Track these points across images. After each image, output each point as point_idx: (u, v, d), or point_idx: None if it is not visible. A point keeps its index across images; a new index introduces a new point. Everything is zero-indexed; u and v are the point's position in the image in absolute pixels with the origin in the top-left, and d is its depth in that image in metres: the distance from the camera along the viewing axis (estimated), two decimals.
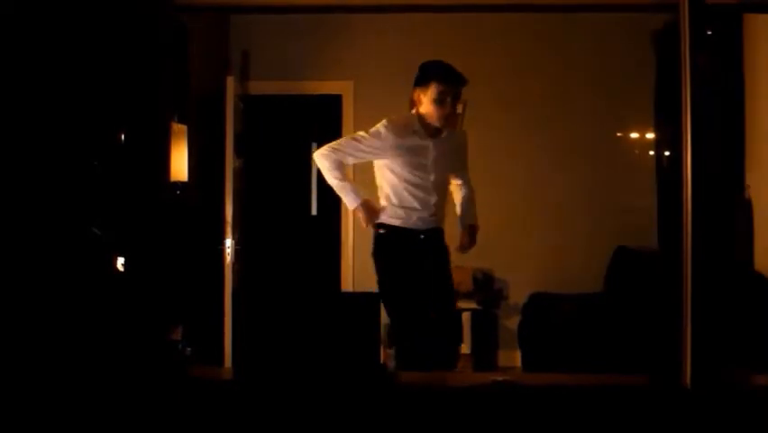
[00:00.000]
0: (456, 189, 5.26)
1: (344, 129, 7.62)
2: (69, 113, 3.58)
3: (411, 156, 4.87)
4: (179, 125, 5.10)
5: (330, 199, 8.27)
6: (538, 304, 6.94)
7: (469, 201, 5.33)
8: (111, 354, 3.47)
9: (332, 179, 4.92)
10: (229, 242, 6.58)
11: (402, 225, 4.92)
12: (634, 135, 7.17)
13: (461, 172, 5.23)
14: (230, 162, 6.68)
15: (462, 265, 7.31)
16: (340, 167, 4.90)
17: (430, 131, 4.92)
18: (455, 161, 5.13)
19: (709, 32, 4.14)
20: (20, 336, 3.45)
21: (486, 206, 7.48)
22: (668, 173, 5.86)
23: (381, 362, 4.55)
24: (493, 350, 7.42)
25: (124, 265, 3.60)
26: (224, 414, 3.33)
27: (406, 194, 4.90)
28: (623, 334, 5.82)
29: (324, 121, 8.06)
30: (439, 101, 4.85)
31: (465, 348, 7.06)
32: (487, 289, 7.36)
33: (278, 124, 8.59)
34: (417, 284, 4.78)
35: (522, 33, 7.28)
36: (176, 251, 3.93)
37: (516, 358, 7.09)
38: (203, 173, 6.40)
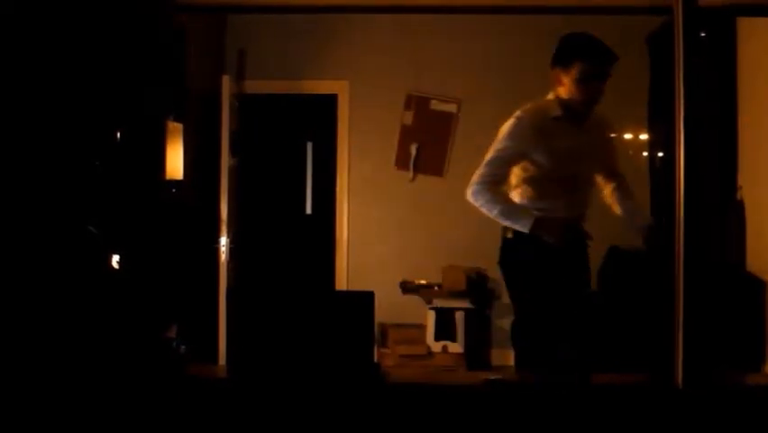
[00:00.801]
0: (610, 187, 4.41)
1: (339, 128, 7.64)
2: (66, 111, 3.59)
3: (551, 146, 4.11)
4: (175, 124, 5.10)
5: (324, 198, 8.33)
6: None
7: (632, 198, 4.39)
8: (106, 351, 3.48)
9: (494, 212, 4.18)
10: (224, 240, 6.60)
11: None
12: (627, 136, 7.20)
13: (613, 166, 4.43)
14: (225, 161, 6.70)
15: (456, 265, 7.36)
16: (496, 194, 4.19)
17: (573, 117, 4.17)
18: (605, 152, 4.37)
19: (703, 34, 4.17)
20: (16, 333, 3.46)
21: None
22: (661, 174, 5.88)
23: (375, 360, 4.56)
24: (486, 349, 7.44)
25: (119, 263, 3.61)
26: (218, 411, 3.34)
27: (545, 191, 4.19)
28: (616, 333, 5.84)
29: (320, 120, 8.07)
30: (584, 82, 4.08)
31: (458, 347, 7.09)
32: (480, 288, 7.38)
33: (273, 123, 8.60)
34: (555, 293, 4.12)
35: (517, 34, 7.28)
36: (171, 249, 3.95)
37: (509, 357, 7.11)
38: (199, 172, 6.42)
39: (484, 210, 4.16)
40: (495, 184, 4.17)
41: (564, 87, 4.11)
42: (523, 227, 4.06)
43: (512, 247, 4.21)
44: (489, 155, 4.18)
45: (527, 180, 4.19)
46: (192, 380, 3.61)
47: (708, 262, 3.72)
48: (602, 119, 4.29)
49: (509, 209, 4.16)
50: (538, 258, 4.08)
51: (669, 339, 3.66)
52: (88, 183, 3.59)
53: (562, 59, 4.12)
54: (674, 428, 3.53)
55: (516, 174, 4.22)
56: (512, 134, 4.13)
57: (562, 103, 4.13)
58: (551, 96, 4.19)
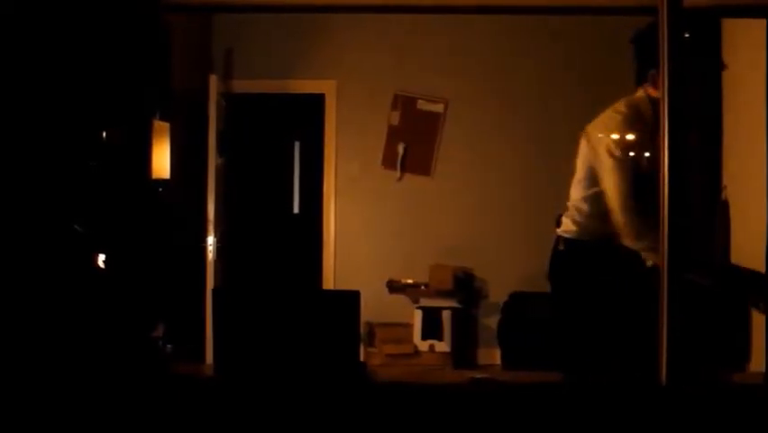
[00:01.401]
0: None
1: (327, 128, 7.66)
2: (50, 110, 3.58)
3: (642, 153, 3.85)
4: (162, 123, 5.10)
5: (312, 198, 8.34)
6: (518, 303, 6.99)
7: None
8: (91, 351, 3.48)
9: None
10: (211, 239, 6.60)
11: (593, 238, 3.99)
12: (614, 136, 7.22)
13: None
14: (212, 160, 6.70)
15: (443, 264, 7.38)
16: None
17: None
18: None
19: (687, 35, 4.19)
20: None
21: (466, 206, 7.57)
22: (646, 174, 5.90)
23: (361, 359, 4.57)
24: (473, 348, 7.48)
25: (105, 262, 3.61)
26: (204, 410, 3.35)
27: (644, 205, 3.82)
28: (601, 332, 5.86)
29: (307, 120, 8.09)
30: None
31: (445, 346, 7.11)
32: (467, 288, 7.42)
33: (261, 123, 8.62)
34: (608, 309, 3.91)
35: (503, 34, 7.34)
36: (158, 248, 3.95)
37: (496, 356, 7.15)
38: (186, 171, 6.41)
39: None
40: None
41: (658, 87, 3.67)
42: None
43: (565, 260, 4.02)
44: (613, 177, 3.86)
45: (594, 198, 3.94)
46: (178, 379, 3.61)
47: (693, 259, 3.72)
48: None
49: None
50: (593, 272, 3.91)
51: (653, 336, 3.67)
52: (73, 182, 3.58)
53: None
54: (658, 427, 3.54)
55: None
56: (622, 136, 3.89)
57: (653, 103, 3.84)
58: (640, 92, 3.95)
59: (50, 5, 3.57)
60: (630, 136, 3.88)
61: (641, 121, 3.87)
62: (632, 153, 3.86)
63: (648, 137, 3.80)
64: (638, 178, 3.85)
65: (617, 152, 3.90)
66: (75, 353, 3.44)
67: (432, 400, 3.52)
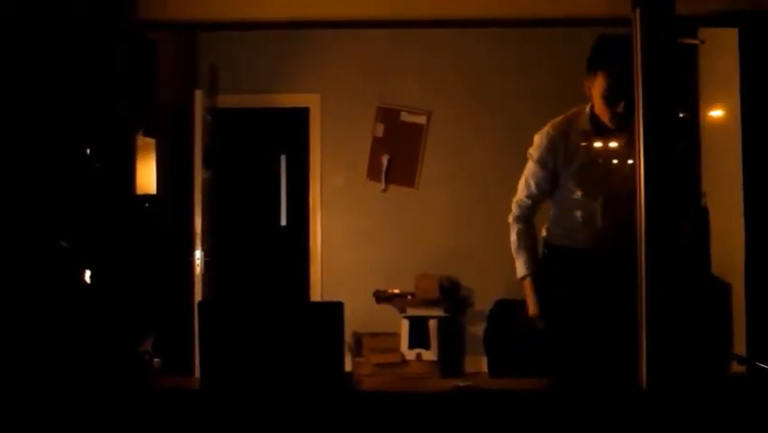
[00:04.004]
0: None
1: (312, 141, 7.70)
2: (35, 128, 3.62)
3: (577, 163, 3.73)
4: (147, 139, 5.15)
5: (299, 210, 8.37)
6: (503, 311, 7.02)
7: None
8: (77, 366, 3.50)
9: (512, 241, 3.95)
10: (198, 253, 6.63)
11: (561, 243, 3.92)
12: (594, 153, 7.27)
13: None
14: (199, 175, 6.74)
15: (429, 274, 7.42)
16: (521, 227, 3.92)
17: (603, 130, 3.71)
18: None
19: (661, 45, 4.24)
20: None
21: (450, 216, 7.62)
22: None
23: (347, 369, 4.59)
24: (460, 356, 7.50)
25: (92, 278, 3.64)
26: (191, 423, 3.37)
27: (570, 219, 3.84)
28: (586, 339, 5.90)
29: (293, 133, 8.12)
30: (608, 98, 3.59)
31: (432, 355, 7.14)
32: (453, 296, 7.45)
33: (247, 137, 8.64)
34: (580, 315, 3.80)
35: (484, 46, 7.40)
36: (145, 263, 3.98)
37: (483, 364, 7.18)
38: (173, 186, 6.45)
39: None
40: (528, 210, 3.91)
41: (594, 102, 3.68)
42: (518, 272, 3.89)
43: (543, 264, 3.94)
44: (524, 177, 3.90)
45: (555, 207, 3.91)
46: (163, 392, 3.64)
47: (672, 265, 3.76)
48: None
49: (518, 246, 3.91)
50: (567, 278, 3.84)
51: (634, 341, 3.70)
52: (59, 198, 3.62)
53: (589, 65, 3.68)
54: (639, 431, 3.58)
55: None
56: (537, 148, 3.82)
57: (592, 116, 3.71)
58: (585, 107, 3.76)
59: (31, 24, 3.61)
60: (537, 155, 3.83)
61: (561, 139, 3.75)
62: (536, 169, 3.84)
63: (577, 156, 3.73)
64: (566, 201, 3.84)
65: (530, 158, 3.89)
66: (61, 367, 3.46)
67: (415, 408, 3.55)
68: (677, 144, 3.78)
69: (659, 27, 3.68)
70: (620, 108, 3.58)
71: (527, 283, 3.88)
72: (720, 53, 5.13)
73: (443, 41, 7.37)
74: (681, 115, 5.10)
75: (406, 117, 7.61)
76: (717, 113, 5.51)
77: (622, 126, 3.64)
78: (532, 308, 3.89)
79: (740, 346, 4.51)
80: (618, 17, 3.74)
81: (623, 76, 3.52)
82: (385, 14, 4.17)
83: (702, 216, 5.51)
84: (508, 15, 4.01)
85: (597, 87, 3.61)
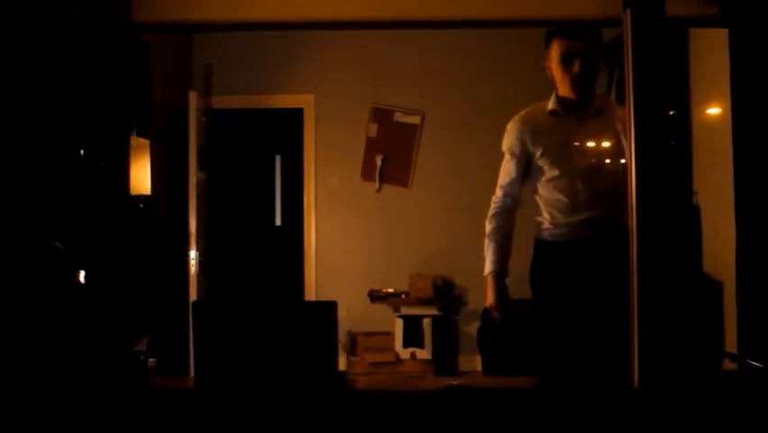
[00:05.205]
0: None
1: (306, 141, 7.73)
2: (28, 128, 3.63)
3: (548, 143, 3.84)
4: (142, 140, 5.15)
5: (293, 210, 8.39)
6: None
7: None
8: (72, 367, 3.51)
9: (487, 232, 4.08)
10: (193, 253, 6.65)
11: (551, 239, 3.92)
12: (591, 144, 7.30)
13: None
14: (193, 175, 6.75)
15: (423, 273, 7.45)
16: (497, 215, 4.05)
17: (572, 109, 3.84)
18: (615, 146, 3.84)
19: (652, 45, 4.26)
20: None
21: (444, 216, 7.64)
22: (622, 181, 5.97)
23: (341, 369, 4.61)
24: (454, 355, 7.53)
25: (86, 278, 3.65)
26: (186, 423, 3.39)
27: (550, 199, 3.89)
28: (580, 337, 5.92)
29: (287, 133, 8.16)
30: (565, 61, 3.77)
31: (426, 354, 7.16)
32: (447, 296, 7.48)
33: (242, 137, 8.68)
34: (570, 310, 3.82)
35: (477, 47, 7.42)
36: (139, 263, 3.99)
37: (477, 362, 7.21)
38: (167, 186, 6.47)
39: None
40: (507, 201, 4.01)
41: (556, 79, 3.85)
42: (486, 269, 4.00)
43: (534, 258, 4.03)
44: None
45: (540, 201, 3.93)
46: (159, 392, 3.65)
47: (664, 264, 3.78)
48: (609, 106, 3.93)
49: (488, 243, 4.05)
50: (558, 276, 3.88)
51: (625, 340, 3.72)
52: (53, 200, 3.63)
53: (545, 45, 3.89)
54: (632, 430, 3.59)
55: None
56: (508, 135, 3.98)
57: (558, 97, 3.87)
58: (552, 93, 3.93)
59: (25, 26, 3.62)
60: (509, 142, 3.98)
61: (531, 122, 3.91)
62: (511, 156, 3.97)
63: (548, 135, 3.85)
64: (545, 181, 3.89)
65: (504, 154, 4.02)
66: (57, 368, 3.47)
67: (409, 407, 3.57)
68: (668, 143, 3.81)
69: (649, 28, 3.71)
70: (576, 68, 3.75)
71: (490, 279, 4.00)
72: (711, 52, 5.15)
73: (437, 41, 7.40)
74: (671, 114, 5.13)
75: (399, 118, 7.64)
76: (708, 111, 5.53)
77: (588, 96, 3.79)
78: (489, 299, 3.99)
79: (731, 344, 4.53)
80: (609, 18, 3.77)
81: (574, 37, 3.76)
82: (378, 15, 4.18)
83: (693, 213, 5.53)
84: (499, 16, 4.03)
85: (553, 59, 3.81)
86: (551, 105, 3.87)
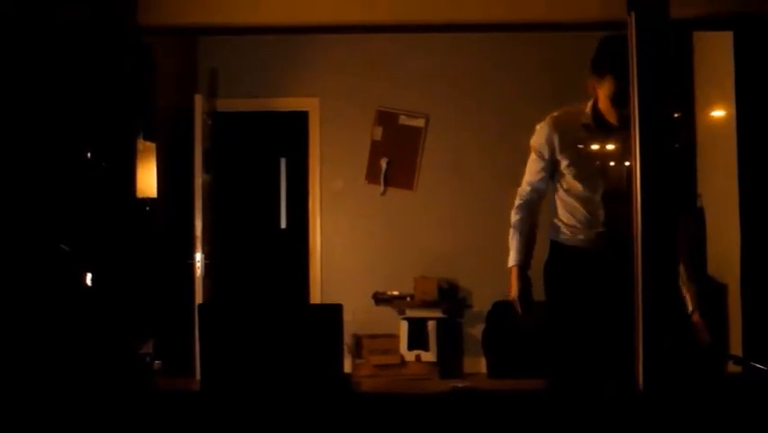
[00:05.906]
0: None
1: (311, 144, 7.74)
2: (35, 131, 3.64)
3: (576, 156, 3.83)
4: (148, 143, 5.16)
5: (299, 212, 8.40)
6: (502, 312, 7.04)
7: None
8: (78, 369, 3.52)
9: (512, 222, 4.06)
10: (199, 256, 6.66)
11: (568, 243, 3.93)
12: (595, 147, 7.30)
13: None
14: (199, 178, 6.76)
15: (427, 276, 7.45)
16: (523, 206, 4.03)
17: (606, 127, 3.80)
18: None
19: (657, 48, 4.26)
20: None
21: (448, 218, 7.65)
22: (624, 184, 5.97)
23: (346, 371, 4.62)
24: (459, 357, 7.53)
25: (93, 281, 3.66)
26: (191, 425, 3.39)
27: (570, 208, 3.91)
28: (592, 341, 5.92)
29: (293, 136, 8.16)
30: (616, 101, 3.68)
31: (431, 356, 7.17)
32: (452, 298, 7.48)
33: (247, 140, 8.68)
34: (584, 314, 3.81)
35: (481, 49, 7.42)
36: (145, 266, 4.00)
37: (482, 364, 7.21)
38: (173, 189, 6.48)
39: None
40: (528, 197, 4.01)
41: (600, 99, 3.77)
42: (509, 261, 3.98)
43: (548, 259, 4.03)
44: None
45: (557, 199, 3.97)
46: (164, 394, 3.66)
47: (668, 266, 3.78)
48: None
49: (513, 234, 4.01)
50: (571, 279, 3.89)
51: (631, 343, 3.71)
52: (60, 202, 3.64)
53: (596, 69, 3.78)
54: (636, 432, 3.59)
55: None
56: (538, 135, 3.94)
57: (595, 111, 3.81)
58: (588, 102, 3.85)
59: (32, 29, 3.63)
60: (538, 142, 3.96)
61: (563, 128, 3.87)
62: (538, 156, 3.96)
63: (578, 147, 3.84)
64: (568, 190, 3.92)
65: (531, 151, 4.02)
66: (63, 371, 3.48)
67: (414, 409, 3.57)
68: (673, 145, 3.80)
69: (654, 30, 3.70)
70: (626, 109, 3.61)
71: (514, 271, 3.98)
72: (715, 55, 5.16)
73: (441, 44, 7.41)
74: (676, 116, 5.13)
75: (404, 121, 7.65)
76: (712, 114, 5.54)
77: (627, 126, 3.65)
78: (513, 291, 3.98)
79: (736, 347, 4.53)
80: (613, 21, 3.76)
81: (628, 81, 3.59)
82: (383, 19, 4.19)
83: (698, 216, 5.54)
84: (504, 20, 4.04)
85: (604, 88, 3.72)
86: (585, 118, 3.83)
